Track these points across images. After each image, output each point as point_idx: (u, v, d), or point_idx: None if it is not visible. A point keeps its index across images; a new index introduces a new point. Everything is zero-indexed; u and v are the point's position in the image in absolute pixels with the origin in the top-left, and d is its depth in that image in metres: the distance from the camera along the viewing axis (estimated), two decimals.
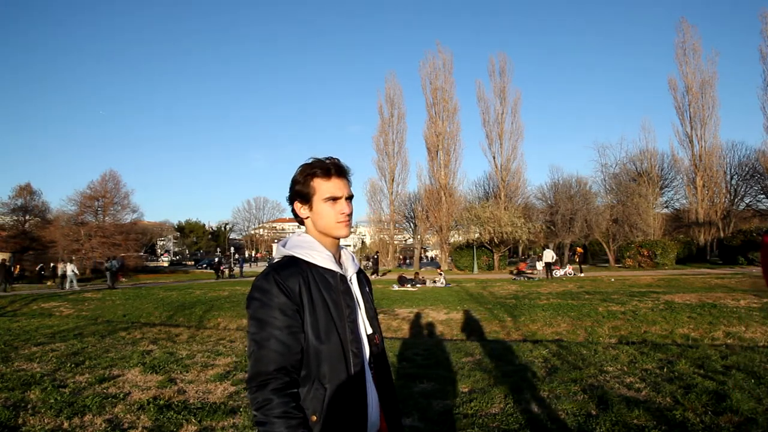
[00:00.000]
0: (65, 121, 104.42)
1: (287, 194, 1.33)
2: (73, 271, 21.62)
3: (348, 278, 1.32)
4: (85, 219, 34.11)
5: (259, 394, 1.11)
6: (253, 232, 76.70)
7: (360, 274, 1.39)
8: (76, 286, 21.12)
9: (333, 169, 1.29)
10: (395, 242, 39.64)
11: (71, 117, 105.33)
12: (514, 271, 21.01)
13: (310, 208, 1.29)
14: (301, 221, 1.34)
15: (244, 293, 16.04)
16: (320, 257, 1.26)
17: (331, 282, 1.25)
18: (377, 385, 1.30)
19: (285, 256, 1.28)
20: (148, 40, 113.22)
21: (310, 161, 1.31)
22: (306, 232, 1.34)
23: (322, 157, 1.31)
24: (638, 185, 30.54)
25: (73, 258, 26.00)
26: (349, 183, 1.33)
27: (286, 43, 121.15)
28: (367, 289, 1.40)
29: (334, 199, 1.28)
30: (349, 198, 1.32)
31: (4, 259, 24.51)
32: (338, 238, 1.32)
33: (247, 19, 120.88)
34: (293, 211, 1.33)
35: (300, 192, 1.29)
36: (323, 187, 1.28)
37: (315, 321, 1.19)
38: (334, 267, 1.27)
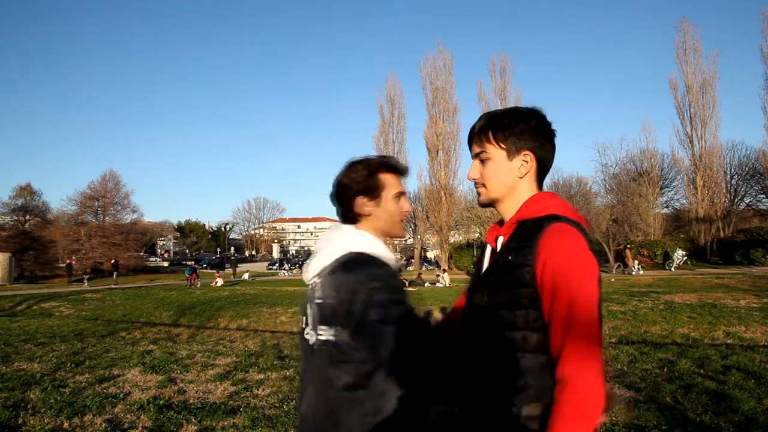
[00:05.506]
0: (65, 121, 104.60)
1: (346, 189, 1.22)
2: None
3: None
4: (85, 219, 34.12)
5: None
6: (253, 232, 76.76)
7: None
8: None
9: (398, 165, 1.26)
10: (395, 242, 39.62)
11: (71, 117, 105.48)
12: None
13: (378, 204, 1.23)
14: (352, 218, 1.24)
15: (244, 293, 16.16)
16: (390, 257, 1.20)
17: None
18: None
19: (362, 253, 1.18)
20: (149, 42, 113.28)
21: (372, 156, 1.26)
22: (355, 229, 1.23)
23: (372, 155, 1.28)
24: (638, 185, 30.49)
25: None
26: None
27: (286, 43, 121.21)
28: None
29: (401, 195, 1.26)
30: None
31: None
32: (395, 238, 1.29)
33: (247, 19, 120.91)
34: (348, 207, 1.23)
35: (369, 186, 1.22)
36: (392, 183, 1.25)
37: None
38: (395, 267, 1.23)
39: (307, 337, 1.18)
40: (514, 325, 1.01)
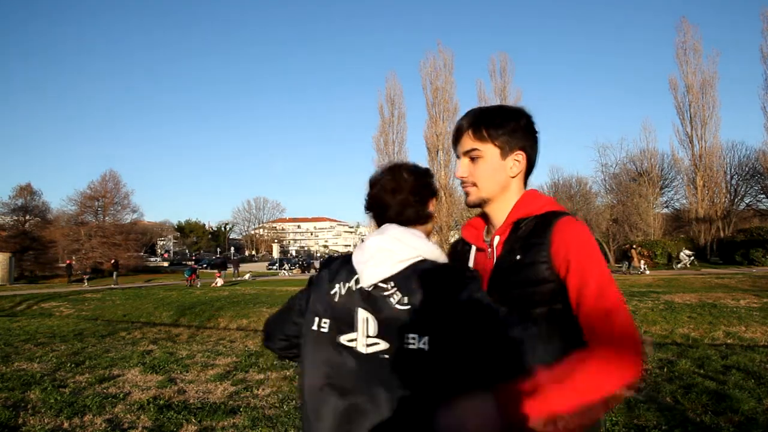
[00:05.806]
0: (65, 121, 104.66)
1: (419, 190, 1.17)
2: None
3: None
4: (85, 219, 34.10)
5: None
6: (253, 232, 76.78)
7: None
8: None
9: (430, 172, 1.31)
10: None
11: (71, 117, 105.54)
12: None
13: (434, 207, 1.25)
14: (416, 220, 1.18)
15: (244, 293, 16.16)
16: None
17: None
18: None
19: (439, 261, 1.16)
20: (150, 41, 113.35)
21: (413, 163, 1.26)
22: (408, 231, 1.20)
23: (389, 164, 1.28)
24: (638, 185, 30.51)
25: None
26: None
27: (286, 42, 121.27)
28: None
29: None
30: None
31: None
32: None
33: (247, 19, 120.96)
34: (423, 206, 1.17)
35: (435, 189, 1.22)
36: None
37: None
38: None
39: (349, 344, 1.09)
40: (535, 321, 1.02)
